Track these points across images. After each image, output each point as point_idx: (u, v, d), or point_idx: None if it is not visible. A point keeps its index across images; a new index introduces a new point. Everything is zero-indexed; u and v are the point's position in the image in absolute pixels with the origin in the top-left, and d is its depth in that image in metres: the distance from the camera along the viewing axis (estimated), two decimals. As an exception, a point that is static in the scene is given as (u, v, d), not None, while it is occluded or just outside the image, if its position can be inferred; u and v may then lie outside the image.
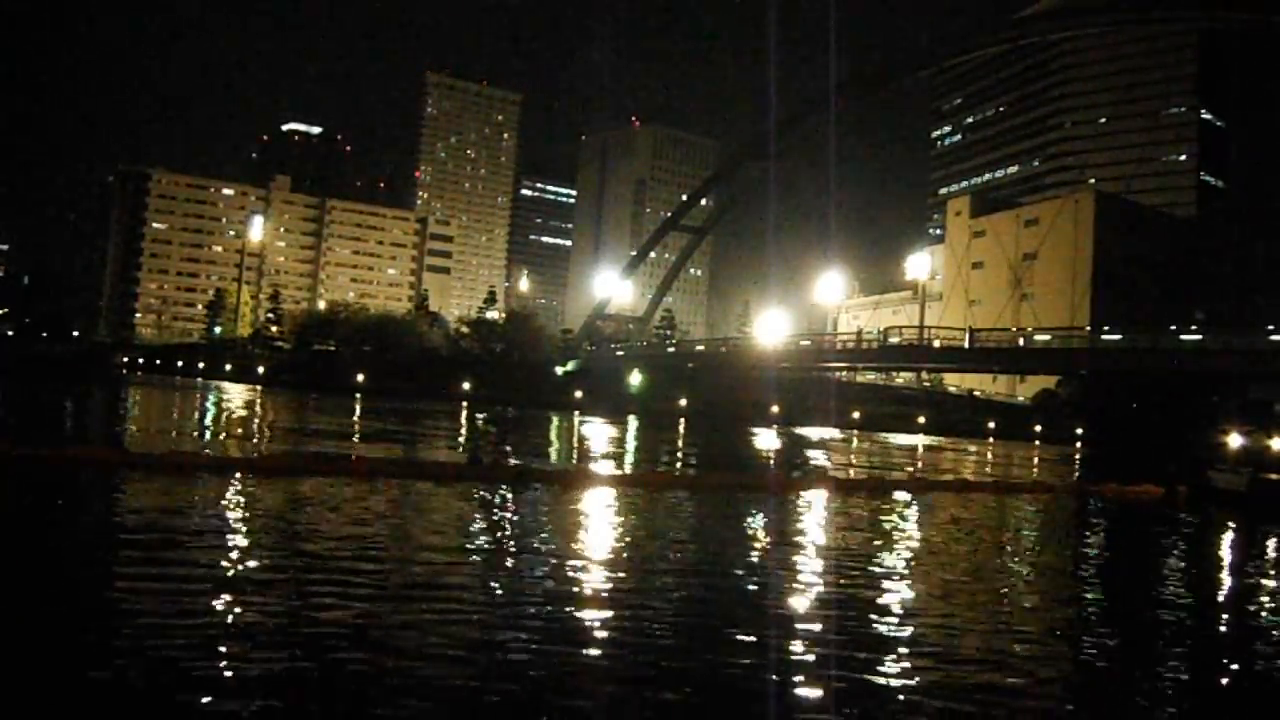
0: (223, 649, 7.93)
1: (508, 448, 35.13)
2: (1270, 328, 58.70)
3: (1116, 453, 60.72)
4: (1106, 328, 77.67)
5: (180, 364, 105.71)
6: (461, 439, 40.16)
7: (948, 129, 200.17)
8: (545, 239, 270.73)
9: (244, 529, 13.98)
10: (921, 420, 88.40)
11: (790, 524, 18.90)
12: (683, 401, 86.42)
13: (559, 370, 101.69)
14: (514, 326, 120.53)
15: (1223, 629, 12.31)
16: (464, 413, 62.37)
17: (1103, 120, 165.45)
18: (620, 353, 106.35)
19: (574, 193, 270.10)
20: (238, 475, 19.31)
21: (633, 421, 66.88)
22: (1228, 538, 23.97)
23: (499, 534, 15.59)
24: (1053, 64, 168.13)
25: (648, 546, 15.17)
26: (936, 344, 74.35)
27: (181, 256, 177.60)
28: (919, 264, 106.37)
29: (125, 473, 18.80)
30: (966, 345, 70.87)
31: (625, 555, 14.15)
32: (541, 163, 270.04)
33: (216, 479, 18.61)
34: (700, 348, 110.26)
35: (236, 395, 65.34)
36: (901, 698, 8.02)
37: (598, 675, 8.16)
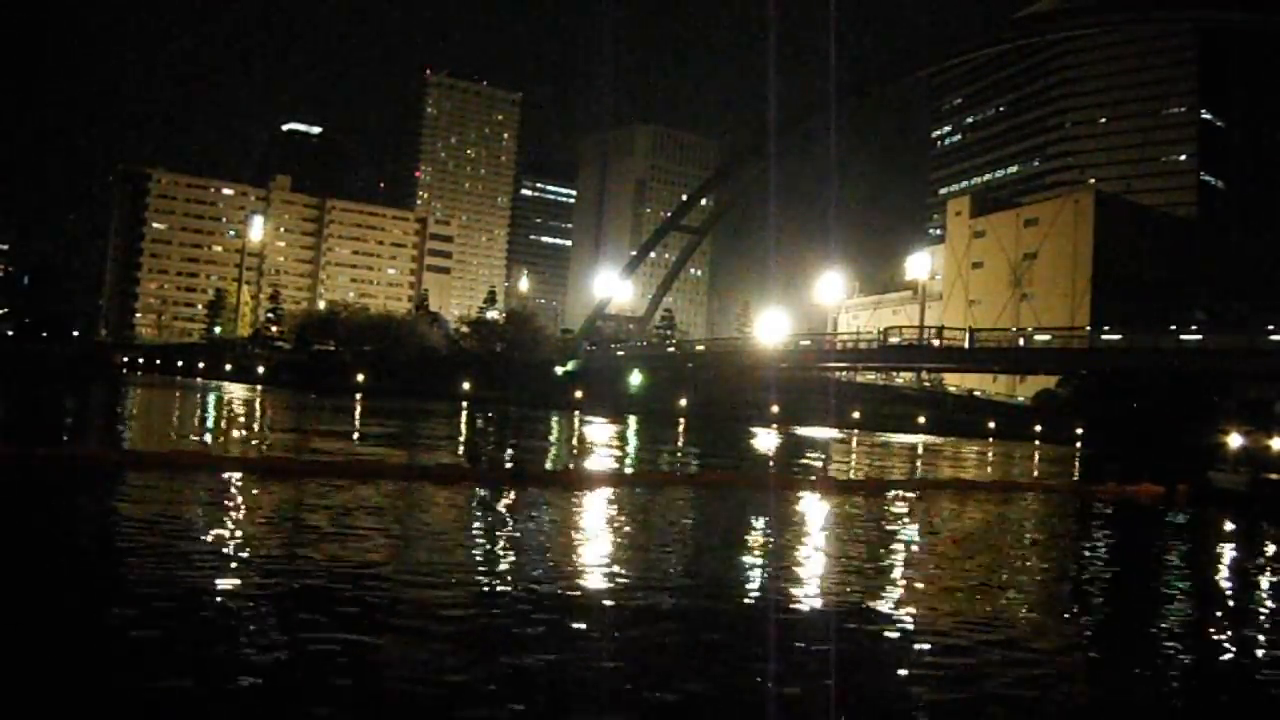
0: (214, 650, 7.90)
1: (507, 448, 35.11)
2: (1270, 328, 58.62)
3: (1116, 453, 60.68)
4: (1106, 328, 77.59)
5: (180, 364, 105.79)
6: (461, 440, 40.15)
7: (948, 129, 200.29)
8: (545, 239, 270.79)
9: (241, 529, 13.96)
10: (921, 420, 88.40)
11: (791, 523, 18.88)
12: (683, 401, 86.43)
13: (559, 370, 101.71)
14: (514, 326, 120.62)
15: (1223, 628, 12.30)
16: (464, 413, 62.37)
17: (1103, 120, 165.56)
18: (620, 353, 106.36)
19: (574, 193, 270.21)
20: (237, 475, 19.28)
21: (633, 421, 66.88)
22: (1228, 537, 23.95)
23: (496, 533, 15.58)
24: (1053, 64, 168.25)
25: (647, 545, 15.16)
26: (936, 344, 74.38)
27: (181, 256, 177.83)
28: (919, 264, 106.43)
29: (125, 472, 18.77)
30: (966, 345, 70.91)
31: (624, 553, 14.13)
32: (541, 163, 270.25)
33: (216, 479, 18.59)
34: (700, 348, 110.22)
35: (236, 395, 65.35)
36: (901, 689, 8.02)
37: (598, 678, 8.14)
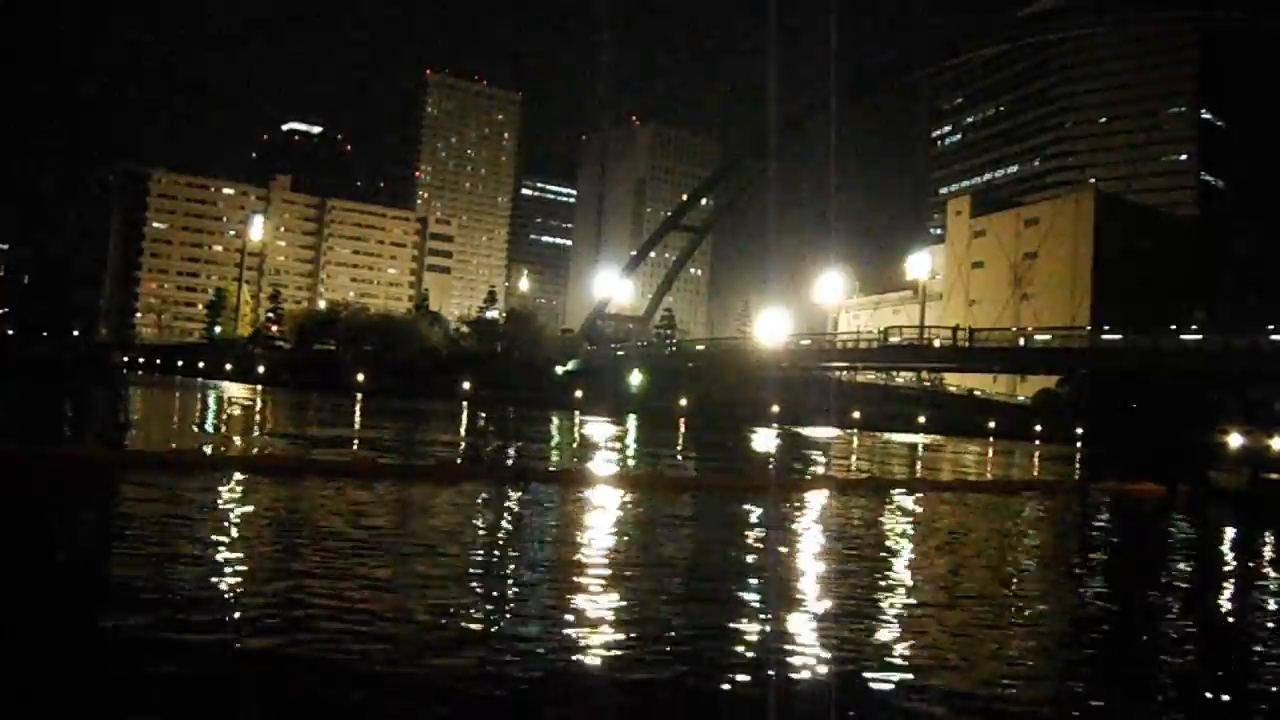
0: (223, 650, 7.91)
1: (507, 448, 35.12)
2: (1270, 328, 58.73)
3: (1117, 452, 60.67)
4: (1106, 327, 77.75)
5: (180, 364, 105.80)
6: (462, 439, 40.15)
7: (948, 129, 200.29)
8: (545, 239, 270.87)
9: (241, 530, 13.96)
10: (922, 420, 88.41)
11: (792, 524, 18.88)
12: (683, 401, 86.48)
13: (559, 370, 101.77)
14: (514, 326, 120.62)
15: (1223, 628, 12.31)
16: (464, 413, 62.38)
17: (1103, 120, 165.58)
18: (620, 352, 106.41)
19: (574, 193, 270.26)
20: (236, 475, 19.28)
21: (633, 421, 66.89)
22: (1228, 537, 23.95)
23: (499, 533, 15.59)
24: (1053, 64, 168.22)
25: (648, 546, 15.15)
26: (937, 344, 74.48)
27: (181, 256, 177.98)
28: (919, 264, 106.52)
29: (124, 473, 18.77)
30: (966, 345, 70.99)
31: (625, 554, 14.13)
32: (541, 163, 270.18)
33: (215, 479, 18.59)
34: (700, 348, 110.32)
35: (237, 395, 65.34)
36: (900, 690, 8.01)
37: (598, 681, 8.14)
